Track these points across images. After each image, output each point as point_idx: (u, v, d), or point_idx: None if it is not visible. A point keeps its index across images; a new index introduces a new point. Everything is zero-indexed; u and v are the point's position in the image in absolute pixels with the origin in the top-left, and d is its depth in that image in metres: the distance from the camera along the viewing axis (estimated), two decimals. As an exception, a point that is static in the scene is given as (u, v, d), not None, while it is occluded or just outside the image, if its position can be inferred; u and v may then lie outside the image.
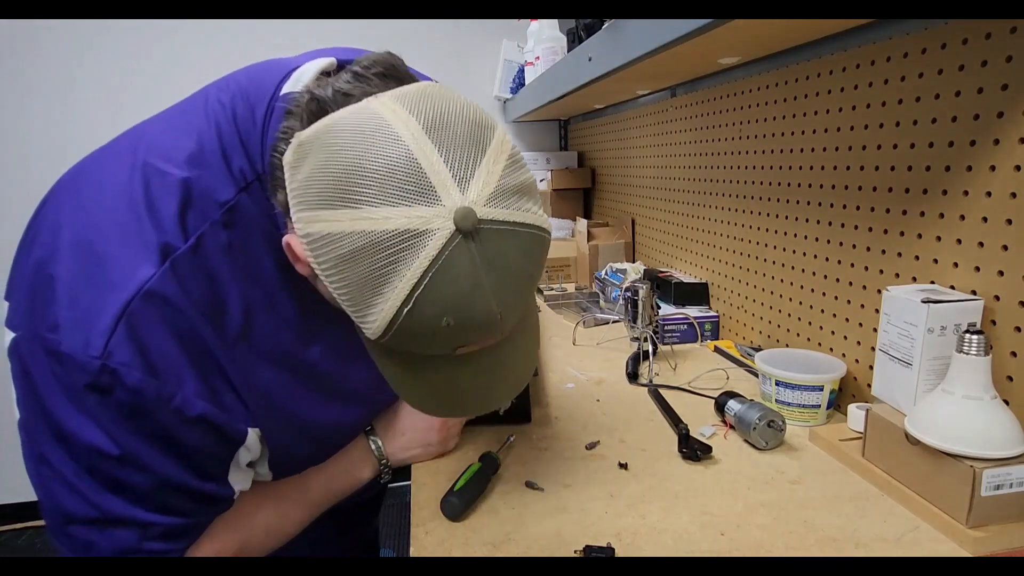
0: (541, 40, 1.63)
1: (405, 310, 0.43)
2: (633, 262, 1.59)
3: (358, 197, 0.42)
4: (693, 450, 0.72)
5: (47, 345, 0.48)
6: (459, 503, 0.62)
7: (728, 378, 0.98)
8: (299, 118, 0.49)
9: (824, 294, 0.90)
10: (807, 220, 0.93)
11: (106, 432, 0.48)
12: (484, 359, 0.52)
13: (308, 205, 0.45)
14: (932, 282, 0.71)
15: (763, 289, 1.06)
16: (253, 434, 0.57)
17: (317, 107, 0.48)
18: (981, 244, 0.65)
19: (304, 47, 0.63)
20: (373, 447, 0.72)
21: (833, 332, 0.89)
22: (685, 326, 1.17)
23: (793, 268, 0.97)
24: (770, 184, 1.01)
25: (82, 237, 0.50)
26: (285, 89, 0.54)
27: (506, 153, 0.47)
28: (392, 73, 0.51)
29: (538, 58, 1.63)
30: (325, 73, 0.55)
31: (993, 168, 0.63)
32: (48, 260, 0.50)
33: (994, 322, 0.64)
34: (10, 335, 0.51)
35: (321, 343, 0.61)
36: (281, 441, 0.60)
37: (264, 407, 0.57)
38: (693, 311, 1.21)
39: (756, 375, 0.89)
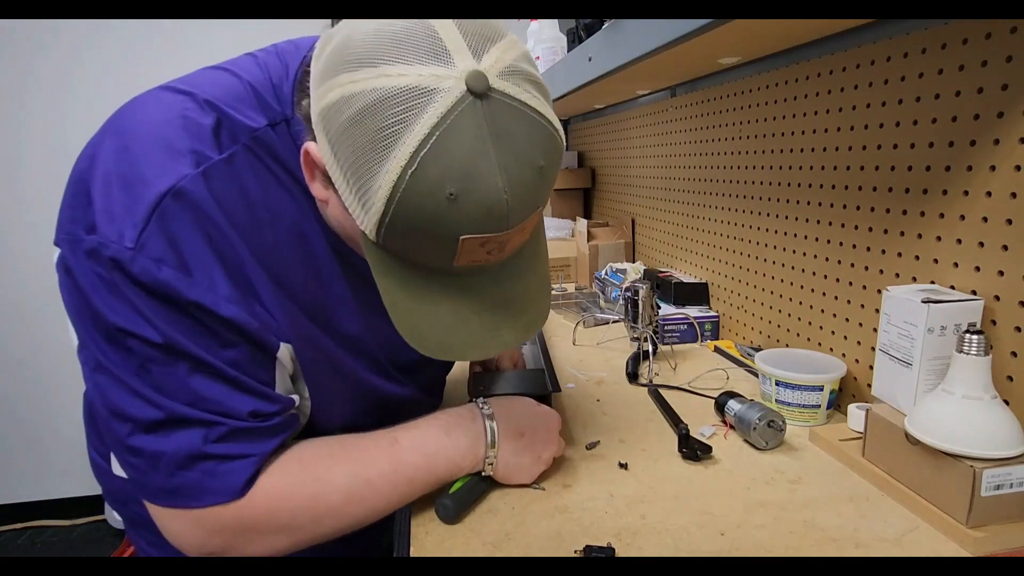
0: (541, 40, 1.63)
1: (409, 172, 0.43)
2: (633, 262, 1.59)
3: (376, 57, 0.43)
4: (693, 450, 0.72)
5: (86, 245, 0.48)
6: (452, 506, 0.62)
7: (728, 378, 0.98)
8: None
9: (824, 294, 0.90)
10: (807, 220, 0.93)
11: (148, 321, 0.48)
12: (489, 288, 0.51)
13: (328, 75, 0.46)
14: (932, 282, 0.71)
15: (763, 289, 1.06)
16: (285, 349, 0.55)
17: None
18: (981, 244, 0.65)
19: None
20: (488, 433, 0.63)
21: (833, 332, 0.89)
22: (685, 326, 1.17)
23: (793, 268, 0.97)
24: (770, 184, 1.01)
25: (120, 145, 0.51)
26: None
27: (522, 49, 0.48)
28: None
29: (538, 58, 1.63)
30: None
31: (993, 168, 0.63)
32: (87, 169, 0.51)
33: (994, 322, 0.64)
34: (56, 252, 0.52)
35: (338, 288, 0.60)
36: (313, 359, 0.59)
37: (293, 320, 0.56)
38: (693, 311, 1.21)
39: (756, 375, 0.89)
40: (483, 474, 0.65)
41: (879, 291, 0.79)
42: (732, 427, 0.79)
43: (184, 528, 0.53)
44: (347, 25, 0.47)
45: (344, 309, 0.61)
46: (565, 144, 0.50)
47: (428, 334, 0.51)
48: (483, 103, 0.43)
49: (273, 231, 0.55)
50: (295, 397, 0.59)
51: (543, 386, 0.80)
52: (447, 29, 0.44)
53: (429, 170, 0.43)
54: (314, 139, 0.49)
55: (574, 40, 1.37)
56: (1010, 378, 0.63)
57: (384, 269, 0.50)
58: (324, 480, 0.57)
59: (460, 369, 1.06)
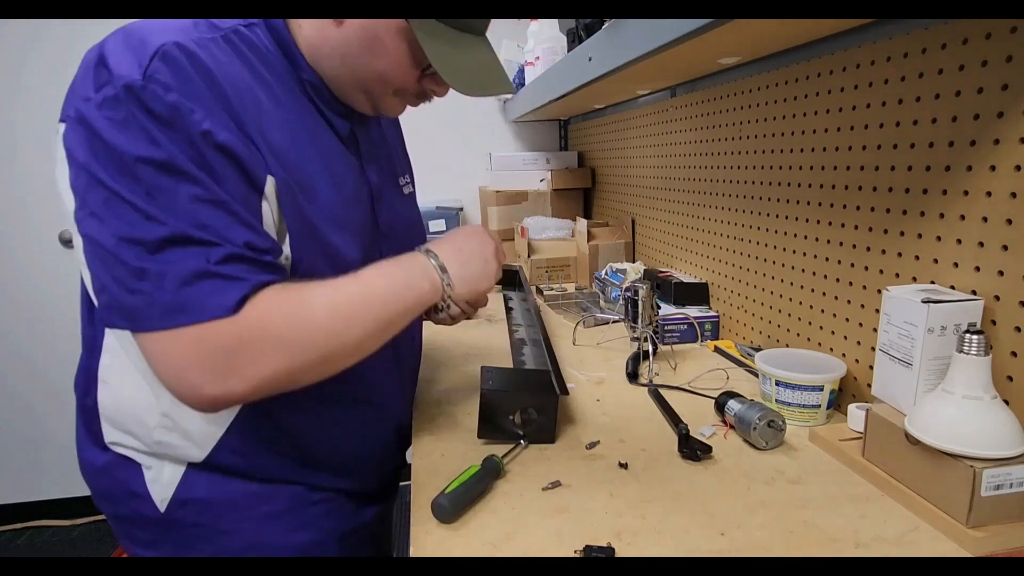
0: (541, 40, 1.63)
1: None
2: (633, 262, 1.59)
3: None
4: (693, 450, 0.72)
5: (101, 95, 0.53)
6: (448, 505, 0.62)
7: (728, 378, 0.98)
8: None
9: (824, 294, 0.90)
10: (807, 220, 0.93)
11: (155, 142, 0.53)
12: (486, 52, 0.68)
13: None
14: (932, 282, 0.71)
15: (763, 289, 1.06)
16: (270, 184, 0.60)
17: None
18: (981, 244, 0.65)
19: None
20: (431, 260, 0.69)
21: (833, 332, 0.89)
22: (685, 326, 1.17)
23: (793, 268, 0.97)
24: (770, 184, 1.01)
25: (124, 33, 0.57)
26: None
27: None
28: None
29: (538, 58, 1.63)
30: None
31: (993, 168, 0.63)
32: (94, 54, 0.56)
33: (994, 322, 0.64)
34: (62, 127, 0.56)
35: (315, 160, 0.66)
36: (294, 204, 0.62)
37: (277, 160, 0.61)
38: (693, 311, 1.21)
39: (756, 375, 0.89)
40: (447, 298, 0.70)
41: (879, 291, 0.79)
42: (732, 427, 0.79)
43: (185, 348, 0.54)
44: None
45: (323, 183, 0.66)
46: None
47: (470, 78, 0.65)
48: None
49: (254, 98, 0.60)
50: (282, 248, 0.62)
51: (550, 388, 0.80)
52: None
53: None
54: None
55: (574, 40, 1.37)
56: (1010, 378, 0.63)
57: (429, 38, 0.62)
58: (306, 299, 0.60)
59: (468, 370, 1.06)
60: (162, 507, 0.69)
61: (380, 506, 0.87)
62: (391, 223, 0.79)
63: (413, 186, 0.91)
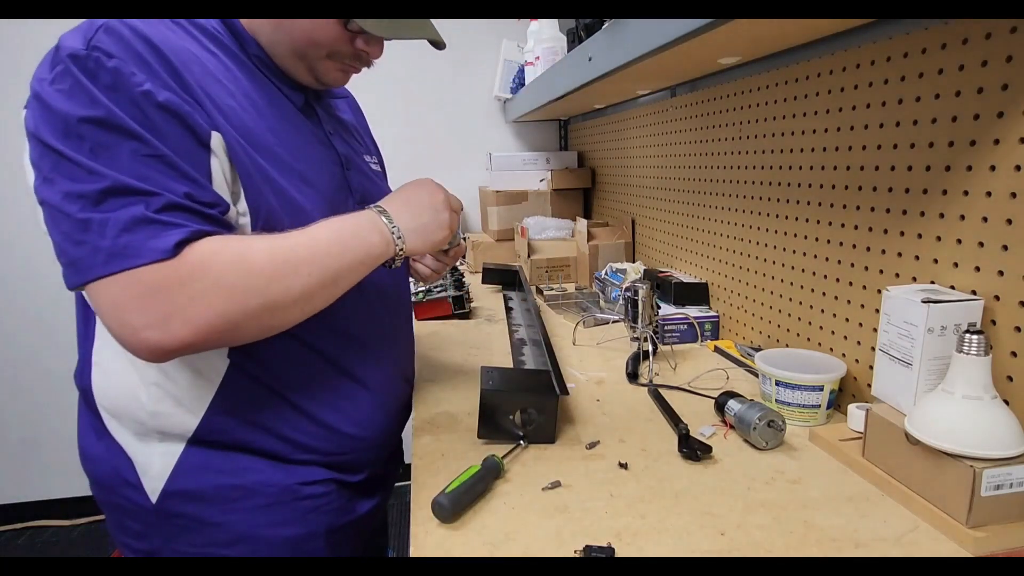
0: (541, 40, 1.63)
1: None
2: (633, 262, 1.59)
3: None
4: (693, 450, 0.72)
5: (52, 72, 0.57)
6: (448, 505, 0.62)
7: (728, 378, 0.98)
8: None
9: (824, 294, 0.90)
10: (807, 220, 0.93)
11: (96, 102, 0.56)
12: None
13: None
14: (932, 282, 0.71)
15: (763, 289, 1.06)
16: (217, 138, 0.61)
17: None
18: (981, 244, 0.65)
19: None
20: (381, 217, 0.71)
21: (833, 332, 0.89)
22: (685, 326, 1.17)
23: (793, 268, 0.97)
24: (770, 184, 1.01)
25: (76, 27, 0.60)
26: None
27: None
28: None
29: (538, 58, 1.64)
30: None
31: (993, 168, 0.63)
32: (54, 47, 0.59)
33: (994, 322, 0.64)
34: (24, 112, 0.59)
35: (270, 121, 0.69)
36: (243, 160, 0.64)
37: (223, 118, 0.63)
38: (693, 311, 1.21)
39: (756, 375, 0.89)
40: (399, 251, 0.71)
41: (879, 291, 0.79)
42: (732, 427, 0.79)
43: (124, 291, 0.56)
44: None
45: (281, 140, 0.69)
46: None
47: (392, 24, 0.68)
48: None
49: (202, 66, 0.63)
50: (229, 203, 0.63)
51: (550, 388, 0.80)
52: None
53: None
54: None
55: (574, 40, 1.37)
56: (1010, 378, 0.63)
57: None
58: (247, 245, 0.62)
59: (468, 370, 1.06)
60: (153, 497, 0.70)
61: (373, 500, 0.87)
62: (364, 190, 0.81)
63: (382, 168, 0.95)
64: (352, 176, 0.79)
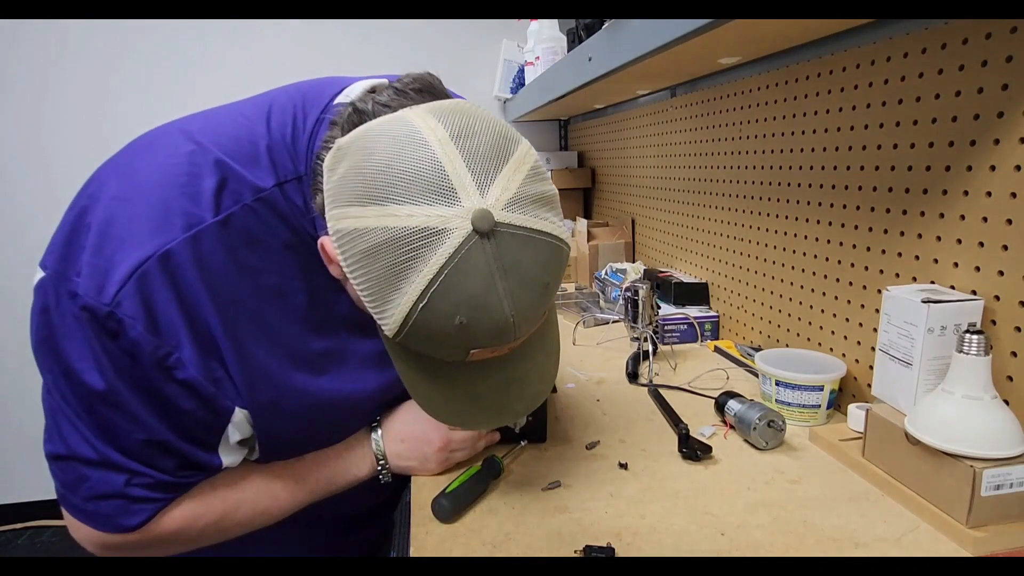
0: (541, 40, 1.63)
1: (420, 306, 0.45)
2: (633, 262, 1.59)
3: (385, 195, 0.45)
4: (693, 450, 0.72)
5: (70, 287, 0.52)
6: (448, 505, 0.62)
7: (728, 378, 0.98)
8: (341, 127, 0.54)
9: (824, 294, 0.90)
10: (807, 220, 0.93)
11: (100, 371, 0.52)
12: (499, 372, 0.54)
13: (340, 203, 0.48)
14: (932, 282, 0.71)
15: (763, 289, 1.06)
16: (240, 414, 0.59)
17: (358, 118, 0.53)
18: (981, 244, 0.65)
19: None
20: (374, 445, 0.71)
21: (833, 332, 0.89)
22: (685, 326, 1.17)
23: (793, 268, 0.97)
24: (770, 184, 1.01)
25: (121, 194, 0.54)
26: (336, 101, 0.59)
27: (528, 164, 0.49)
28: (428, 89, 0.56)
29: (538, 58, 1.64)
30: (372, 90, 0.57)
31: (993, 168, 0.63)
32: (88, 209, 0.54)
33: (994, 322, 0.64)
34: (40, 274, 0.55)
35: (326, 341, 0.63)
36: (271, 424, 0.61)
37: (255, 387, 0.59)
38: (693, 311, 1.21)
39: (756, 375, 0.89)
40: (380, 477, 0.71)
41: (879, 291, 0.79)
42: (732, 427, 0.79)
43: (89, 538, 0.59)
44: (359, 149, 0.47)
45: (303, 326, 0.62)
46: (570, 246, 0.53)
47: (444, 409, 0.55)
48: (489, 240, 0.45)
49: (257, 287, 0.57)
50: (226, 463, 0.61)
51: None
52: (452, 162, 0.45)
53: (439, 304, 0.45)
54: (327, 232, 0.50)
55: (574, 40, 1.37)
56: (1010, 378, 0.63)
57: (402, 357, 0.54)
58: (232, 500, 0.63)
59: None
60: None
61: (378, 524, 0.87)
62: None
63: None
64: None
